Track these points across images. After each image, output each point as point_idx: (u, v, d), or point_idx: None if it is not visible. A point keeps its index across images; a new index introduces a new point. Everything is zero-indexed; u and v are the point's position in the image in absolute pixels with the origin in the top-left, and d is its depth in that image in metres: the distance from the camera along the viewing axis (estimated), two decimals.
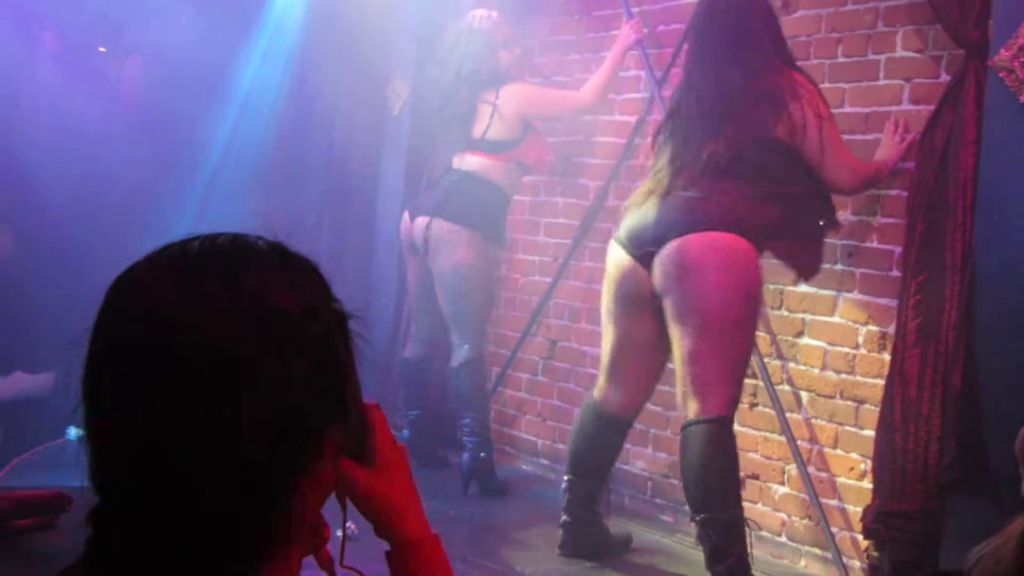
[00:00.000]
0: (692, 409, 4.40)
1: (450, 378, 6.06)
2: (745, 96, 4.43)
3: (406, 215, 6.15)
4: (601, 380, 4.85)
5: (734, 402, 4.50)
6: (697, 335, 4.37)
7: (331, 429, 1.28)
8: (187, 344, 1.19)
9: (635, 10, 6.01)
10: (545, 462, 6.51)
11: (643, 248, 4.53)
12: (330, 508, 1.36)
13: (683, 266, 4.40)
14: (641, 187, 4.71)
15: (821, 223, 4.59)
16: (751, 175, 4.41)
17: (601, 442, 4.87)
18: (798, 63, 4.82)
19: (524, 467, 6.59)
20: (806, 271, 4.66)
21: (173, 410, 1.18)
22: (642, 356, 4.73)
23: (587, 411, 4.90)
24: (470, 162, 5.96)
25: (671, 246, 4.43)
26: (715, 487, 4.40)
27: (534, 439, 6.59)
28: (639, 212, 4.58)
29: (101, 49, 7.05)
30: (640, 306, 4.61)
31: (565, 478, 4.95)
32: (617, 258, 4.65)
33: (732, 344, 4.40)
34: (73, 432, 5.38)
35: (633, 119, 6.01)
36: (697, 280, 4.38)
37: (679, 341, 4.43)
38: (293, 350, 1.23)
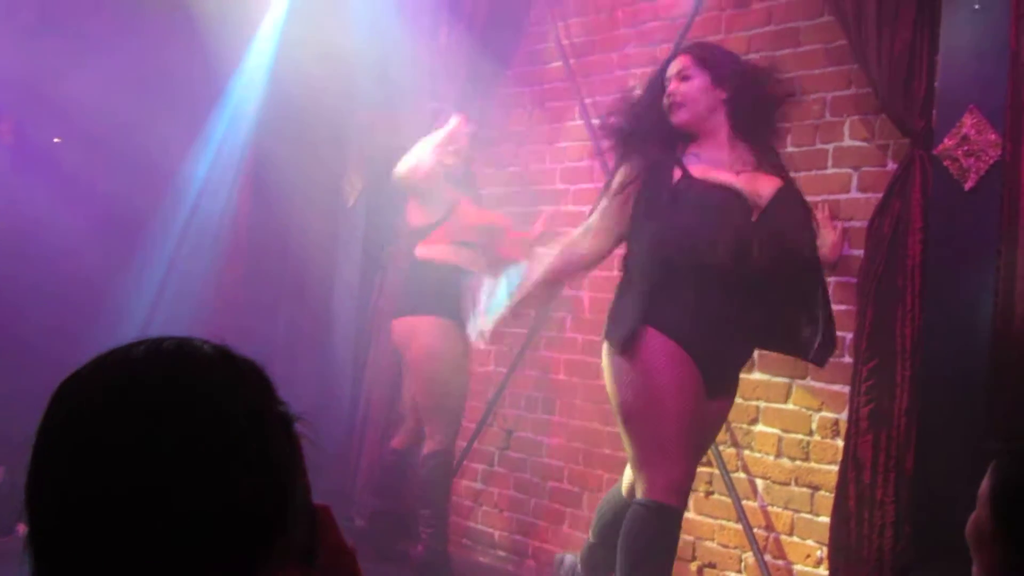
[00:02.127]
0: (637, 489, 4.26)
1: (419, 467, 6.00)
2: None
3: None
4: None
5: (672, 489, 4.18)
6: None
7: (276, 535, 1.27)
8: (125, 451, 1.19)
9: (588, 101, 6.09)
10: (502, 553, 6.47)
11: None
12: None
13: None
14: None
15: None
16: None
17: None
18: None
19: (481, 559, 6.54)
20: None
21: (111, 517, 1.18)
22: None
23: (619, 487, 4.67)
24: (435, 252, 5.91)
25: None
26: (630, 567, 4.21)
27: (491, 530, 6.55)
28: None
29: (56, 140, 7.06)
30: None
31: (590, 540, 4.77)
32: None
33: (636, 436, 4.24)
34: (23, 529, 5.30)
35: (587, 208, 6.04)
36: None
37: None
38: (233, 456, 1.22)
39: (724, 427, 5.30)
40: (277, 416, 1.31)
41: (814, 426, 5.01)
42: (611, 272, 5.84)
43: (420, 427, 6.06)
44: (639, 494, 4.19)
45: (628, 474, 4.60)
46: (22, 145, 6.80)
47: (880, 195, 4.64)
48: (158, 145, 6.64)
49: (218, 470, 1.21)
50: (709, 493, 5.37)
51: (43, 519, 1.23)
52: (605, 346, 4.30)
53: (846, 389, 4.74)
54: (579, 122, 6.17)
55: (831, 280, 4.96)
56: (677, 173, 4.25)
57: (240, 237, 7.39)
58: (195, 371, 1.27)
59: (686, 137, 4.35)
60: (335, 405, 6.81)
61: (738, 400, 5.23)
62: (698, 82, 4.31)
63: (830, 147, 5.02)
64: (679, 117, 4.33)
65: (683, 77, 4.33)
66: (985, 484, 1.96)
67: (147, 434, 1.20)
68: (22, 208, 6.54)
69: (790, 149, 5.15)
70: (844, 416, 4.76)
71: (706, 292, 4.18)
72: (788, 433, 5.11)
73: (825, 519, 4.80)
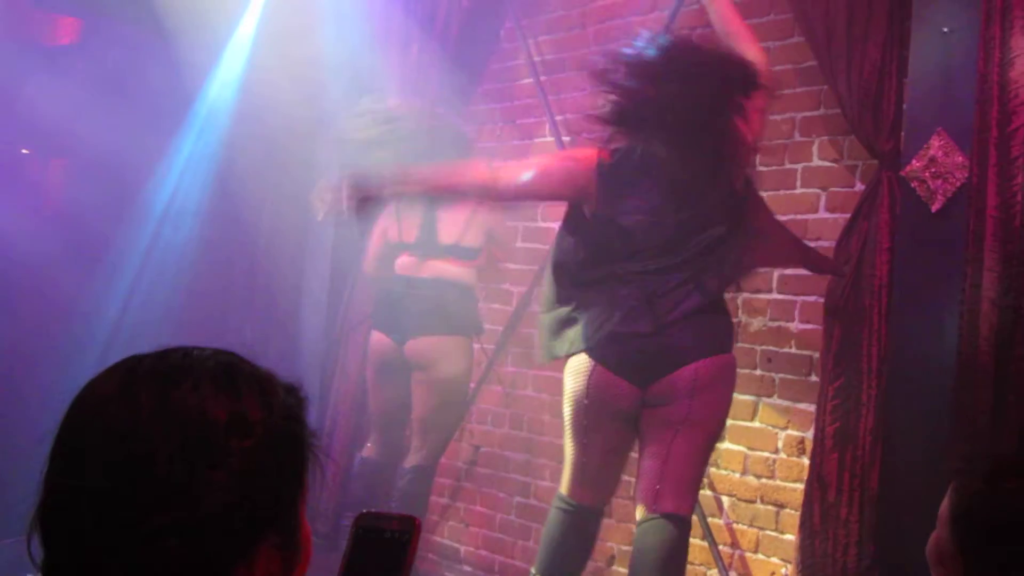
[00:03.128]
0: (667, 504, 4.17)
1: (399, 478, 5.94)
2: None
3: (379, 335, 5.92)
4: (569, 480, 4.48)
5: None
6: (694, 440, 4.21)
7: (261, 540, 1.32)
8: (116, 452, 1.29)
9: (558, 118, 6.10)
10: (468, 569, 6.46)
11: (646, 375, 4.22)
12: None
13: (700, 384, 4.19)
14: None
15: None
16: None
17: (576, 536, 4.50)
18: None
19: (447, 574, 6.54)
20: None
21: (104, 514, 1.27)
22: (616, 459, 4.45)
23: (559, 503, 4.53)
24: (442, 269, 5.81)
25: (692, 369, 4.18)
26: None
27: (457, 545, 6.55)
28: (631, 337, 4.23)
29: (24, 151, 7.02)
30: (616, 417, 4.32)
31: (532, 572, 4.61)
32: (600, 378, 4.28)
33: (710, 452, 4.35)
34: None
35: (556, 224, 6.05)
36: (711, 395, 4.20)
37: (670, 442, 4.20)
38: (212, 462, 1.29)
39: None
40: (270, 428, 1.36)
41: (780, 444, 5.03)
42: None
43: (398, 439, 6.03)
44: (675, 509, 4.17)
45: (580, 492, 4.50)
46: None
47: (848, 215, 4.67)
48: (127, 157, 6.61)
49: (190, 475, 1.27)
50: None
51: (51, 514, 1.31)
52: (726, 362, 4.24)
53: (812, 408, 4.76)
54: (549, 139, 6.18)
55: (798, 299, 4.99)
56: None
57: (208, 249, 7.37)
58: (184, 378, 1.35)
59: None
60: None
61: None
62: None
63: (799, 167, 5.05)
64: None
65: None
66: (945, 504, 1.98)
67: (128, 438, 1.29)
68: None
69: (759, 168, 5.18)
70: (810, 435, 4.78)
71: None
72: (754, 451, 5.13)
73: (790, 537, 4.82)
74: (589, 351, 4.25)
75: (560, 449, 5.98)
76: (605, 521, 5.45)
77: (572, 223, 4.32)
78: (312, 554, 1.48)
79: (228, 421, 1.31)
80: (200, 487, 1.27)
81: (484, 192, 4.35)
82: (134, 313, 6.95)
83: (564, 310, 4.33)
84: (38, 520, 1.33)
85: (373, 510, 1.53)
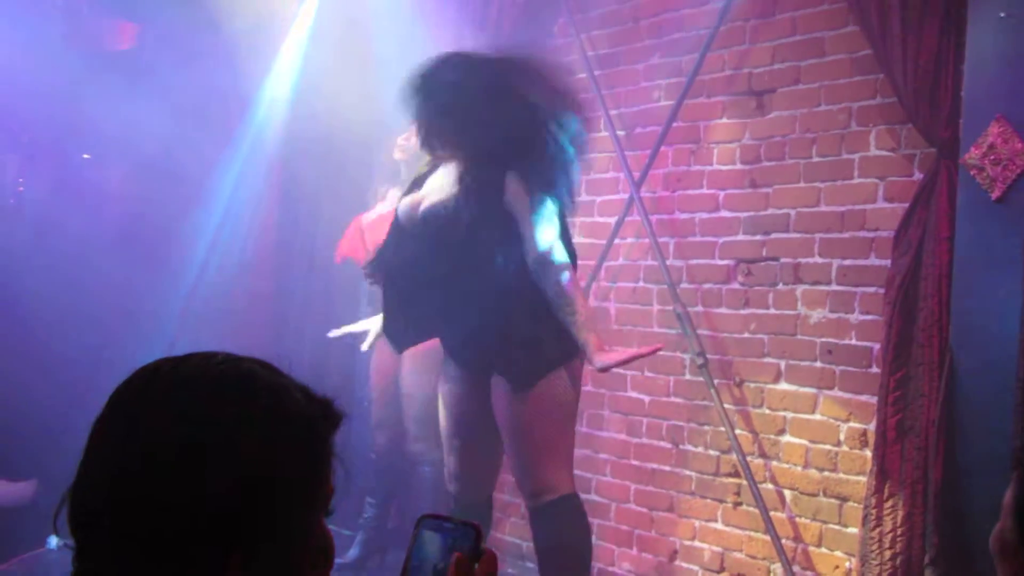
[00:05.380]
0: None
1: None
2: None
3: None
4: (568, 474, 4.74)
5: None
6: None
7: (236, 547, 1.36)
8: (109, 450, 1.39)
9: (613, 112, 6.09)
10: (531, 565, 6.46)
11: None
12: None
13: None
14: None
15: None
16: None
17: None
18: (773, 163, 4.98)
19: (510, 570, 6.55)
20: None
21: (92, 503, 1.37)
22: None
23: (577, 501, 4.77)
24: None
25: None
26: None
27: (519, 541, 6.55)
28: None
29: (85, 156, 7.10)
30: None
31: None
32: None
33: None
34: (54, 542, 5.35)
35: (612, 220, 6.06)
36: None
37: None
38: (192, 469, 1.35)
39: (752, 438, 5.31)
40: (272, 445, 1.40)
41: (842, 437, 5.00)
42: (637, 283, 5.86)
43: None
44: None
45: None
46: (48, 160, 6.85)
47: (906, 205, 4.64)
48: (186, 159, 6.67)
49: (170, 487, 1.34)
50: (737, 504, 5.37)
51: (75, 501, 1.40)
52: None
53: (874, 400, 4.73)
54: (604, 133, 6.17)
55: (858, 291, 4.96)
56: None
57: (266, 249, 7.42)
58: (182, 385, 1.42)
59: None
60: (365, 416, 6.82)
61: (765, 411, 5.25)
62: None
63: (856, 157, 5.02)
64: None
65: None
66: (1009, 494, 1.96)
67: (131, 432, 1.38)
68: (50, 222, 6.59)
69: (815, 159, 5.15)
70: (872, 427, 4.75)
71: None
72: (816, 444, 5.10)
73: (853, 530, 4.79)
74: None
75: (619, 444, 5.99)
76: (666, 516, 5.44)
77: None
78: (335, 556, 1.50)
79: (224, 435, 1.37)
80: (176, 494, 1.33)
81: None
82: (196, 312, 7.01)
83: None
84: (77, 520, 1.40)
85: (435, 513, 1.52)
